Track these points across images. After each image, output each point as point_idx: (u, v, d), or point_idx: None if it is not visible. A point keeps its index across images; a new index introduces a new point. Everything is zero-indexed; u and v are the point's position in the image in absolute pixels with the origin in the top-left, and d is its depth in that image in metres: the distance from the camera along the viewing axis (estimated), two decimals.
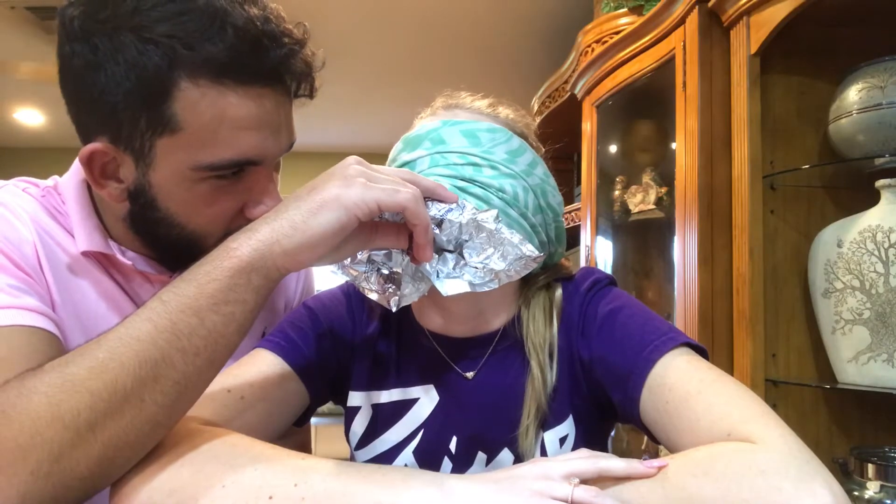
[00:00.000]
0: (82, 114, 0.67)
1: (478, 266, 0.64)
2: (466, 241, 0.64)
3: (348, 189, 0.55)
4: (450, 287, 0.65)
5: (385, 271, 0.65)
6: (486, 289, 0.65)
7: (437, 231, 0.63)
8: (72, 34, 0.64)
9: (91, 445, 0.49)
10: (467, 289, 0.65)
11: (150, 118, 0.63)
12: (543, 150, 0.78)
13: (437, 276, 0.65)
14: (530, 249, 0.65)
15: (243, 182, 0.69)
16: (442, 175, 0.67)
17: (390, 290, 0.65)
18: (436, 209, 0.63)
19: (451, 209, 0.63)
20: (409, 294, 0.66)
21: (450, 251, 0.65)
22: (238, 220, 0.69)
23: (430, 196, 0.63)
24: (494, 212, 0.64)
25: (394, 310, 0.66)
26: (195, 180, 0.67)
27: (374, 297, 0.66)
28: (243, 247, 0.54)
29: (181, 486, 0.50)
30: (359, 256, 0.65)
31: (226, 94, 0.63)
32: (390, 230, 0.61)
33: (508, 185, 0.68)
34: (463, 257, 0.65)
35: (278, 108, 0.68)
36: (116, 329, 0.52)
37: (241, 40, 0.62)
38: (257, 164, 0.69)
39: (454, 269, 0.65)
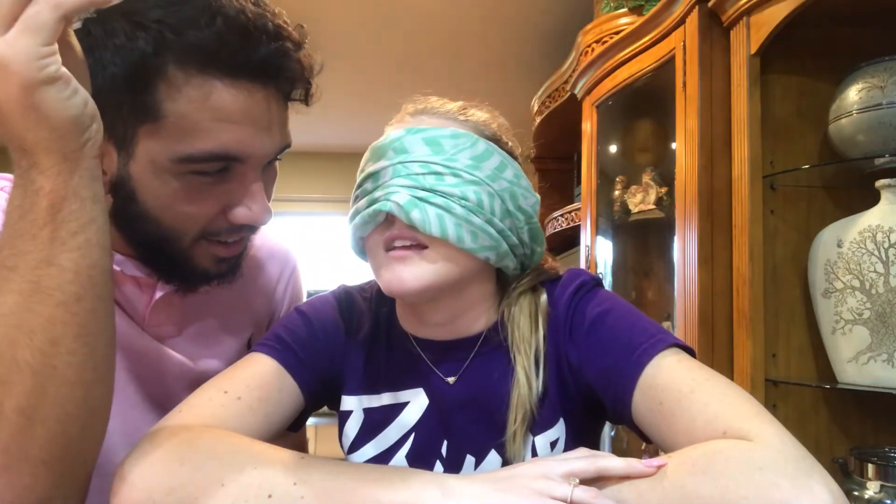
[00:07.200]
0: None
1: None
2: None
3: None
4: None
5: None
6: None
7: None
8: None
9: (32, 428, 0.48)
10: None
11: (133, 104, 0.62)
12: (521, 149, 0.76)
13: None
14: None
15: (226, 183, 0.66)
16: (403, 186, 0.65)
17: None
18: None
19: None
20: None
21: None
22: (218, 222, 0.67)
23: None
24: None
25: None
26: (175, 174, 0.64)
27: None
28: (41, 179, 0.49)
29: (181, 484, 0.50)
30: None
31: (212, 83, 0.61)
32: None
33: (472, 192, 0.66)
34: None
35: (268, 105, 0.66)
36: None
37: (230, 29, 0.61)
38: (241, 162, 0.66)
39: None
